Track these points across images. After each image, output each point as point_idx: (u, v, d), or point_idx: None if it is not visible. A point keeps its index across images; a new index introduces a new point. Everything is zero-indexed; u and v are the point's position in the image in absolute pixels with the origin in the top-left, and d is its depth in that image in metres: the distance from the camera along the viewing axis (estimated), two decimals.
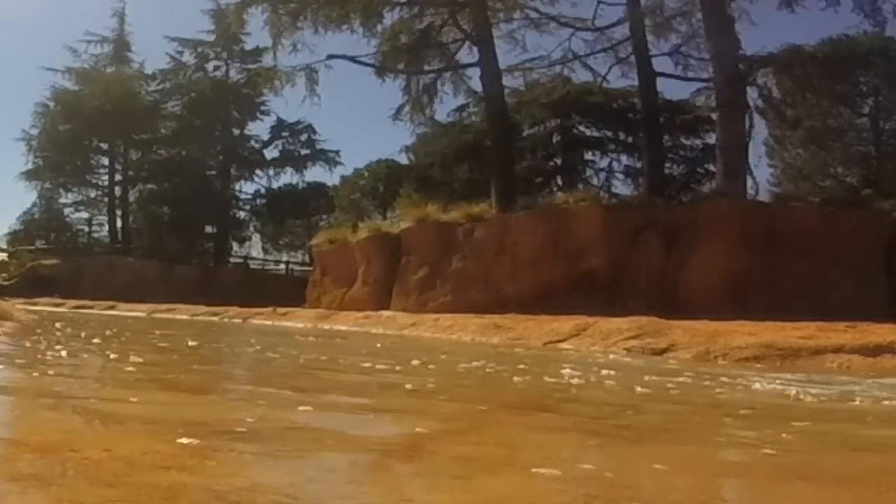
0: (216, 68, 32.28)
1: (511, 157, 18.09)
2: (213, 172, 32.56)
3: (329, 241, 17.49)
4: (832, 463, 2.54)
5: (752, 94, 16.79)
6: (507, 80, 18.38)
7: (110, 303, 18.81)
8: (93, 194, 33.35)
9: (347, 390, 4.17)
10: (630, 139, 23.47)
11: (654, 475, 2.18)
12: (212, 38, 31.54)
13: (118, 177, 32.83)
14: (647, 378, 4.97)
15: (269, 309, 15.18)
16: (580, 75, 21.26)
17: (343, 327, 12.31)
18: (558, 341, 8.53)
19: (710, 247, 11.78)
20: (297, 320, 13.86)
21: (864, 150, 23.69)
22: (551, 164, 24.71)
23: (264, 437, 2.48)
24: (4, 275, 26.83)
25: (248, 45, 30.77)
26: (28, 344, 6.00)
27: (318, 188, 32.64)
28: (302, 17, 17.49)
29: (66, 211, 33.81)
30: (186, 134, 31.53)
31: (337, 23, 17.46)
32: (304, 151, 32.97)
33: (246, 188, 33.72)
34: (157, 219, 32.07)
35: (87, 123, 30.80)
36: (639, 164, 22.06)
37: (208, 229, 32.48)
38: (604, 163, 24.64)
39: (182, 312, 16.15)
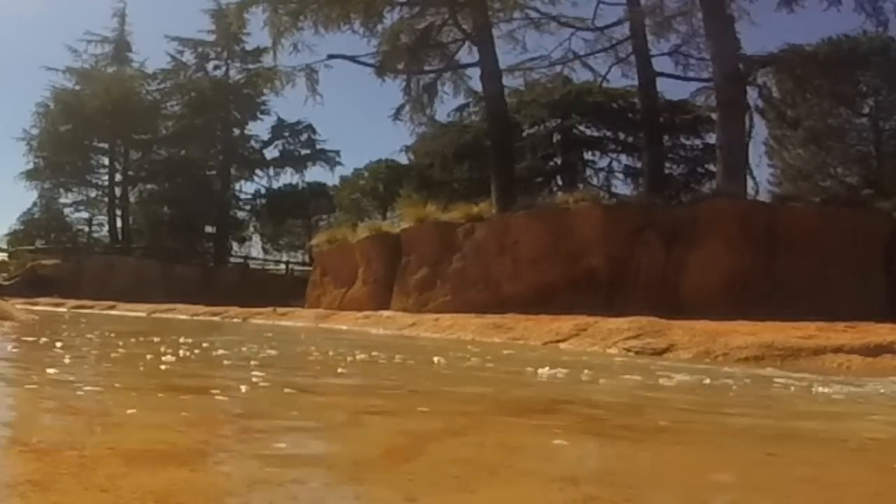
0: (216, 68, 32.37)
1: (511, 157, 18.09)
2: (213, 172, 32.59)
3: (329, 241, 17.49)
4: (833, 464, 2.53)
5: (752, 94, 16.81)
6: (507, 80, 18.40)
7: (110, 303, 18.80)
8: (93, 194, 33.42)
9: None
10: (630, 139, 23.48)
11: (655, 475, 2.18)
12: (212, 37, 31.58)
13: (118, 177, 32.88)
14: (647, 378, 4.97)
15: (269, 309, 15.18)
16: (580, 75, 21.30)
17: (343, 327, 12.31)
18: (558, 341, 8.52)
19: (710, 247, 11.78)
20: (297, 320, 13.86)
21: (864, 150, 23.72)
22: (551, 164, 24.72)
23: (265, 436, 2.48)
24: (4, 275, 26.84)
25: (249, 45, 30.84)
26: (27, 344, 6.00)
27: (318, 188, 32.69)
28: (302, 17, 17.48)
29: (66, 211, 33.95)
30: (186, 134, 31.56)
31: (337, 23, 17.46)
32: (304, 151, 33.01)
33: (246, 188, 33.85)
34: (157, 219, 32.10)
35: (87, 123, 30.83)
36: (639, 164, 22.08)
37: (208, 229, 32.52)
38: (604, 163, 24.71)
39: (182, 312, 16.14)
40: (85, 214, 34.05)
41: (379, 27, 18.15)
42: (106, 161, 32.99)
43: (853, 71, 20.12)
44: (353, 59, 18.10)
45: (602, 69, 19.49)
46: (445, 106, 27.82)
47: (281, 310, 15.00)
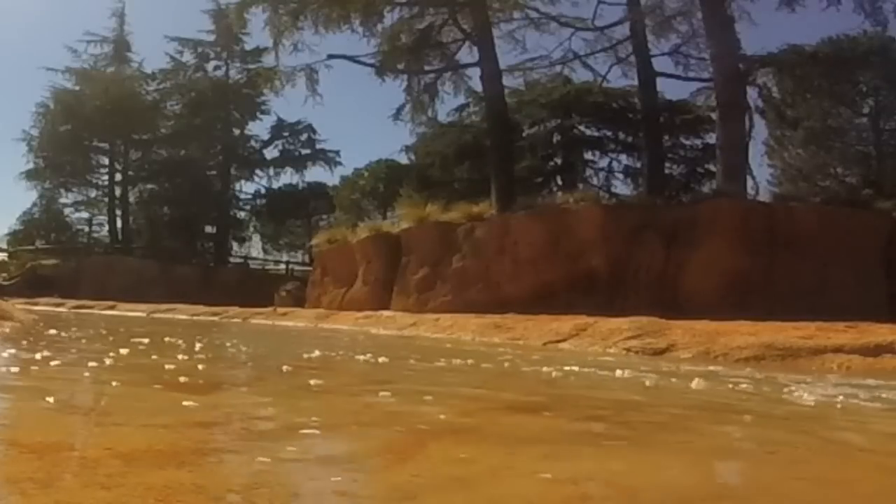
0: (216, 68, 32.31)
1: (511, 157, 18.07)
2: (213, 172, 32.56)
3: (329, 241, 17.49)
4: (830, 464, 2.54)
5: (752, 94, 16.81)
6: (507, 80, 18.38)
7: (110, 303, 18.81)
8: (93, 194, 33.37)
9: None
10: (630, 139, 23.45)
11: (654, 475, 2.18)
12: (212, 37, 31.53)
13: (118, 177, 32.82)
14: (647, 377, 4.97)
15: (270, 309, 15.19)
16: (580, 75, 21.29)
17: (343, 327, 12.31)
18: (558, 341, 8.53)
19: (709, 247, 11.77)
20: (297, 320, 13.86)
21: (864, 150, 23.70)
22: (551, 164, 24.69)
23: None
24: (4, 275, 26.83)
25: (249, 45, 30.82)
26: (28, 344, 5.99)
27: (318, 188, 32.64)
28: (302, 17, 17.47)
29: (66, 211, 33.87)
30: (186, 134, 31.53)
31: (337, 23, 17.45)
32: (304, 151, 32.98)
33: (246, 188, 33.79)
34: (157, 219, 32.06)
35: (87, 123, 30.80)
36: (639, 164, 22.05)
37: (208, 229, 32.48)
38: (604, 163, 24.64)
39: (182, 312, 16.14)
40: (85, 214, 34.05)
41: (379, 27, 18.16)
42: (106, 161, 32.95)
43: (853, 71, 20.09)
44: (353, 59, 18.09)
45: (602, 69, 19.50)
46: (445, 106, 27.76)
47: (281, 309, 15.00)
